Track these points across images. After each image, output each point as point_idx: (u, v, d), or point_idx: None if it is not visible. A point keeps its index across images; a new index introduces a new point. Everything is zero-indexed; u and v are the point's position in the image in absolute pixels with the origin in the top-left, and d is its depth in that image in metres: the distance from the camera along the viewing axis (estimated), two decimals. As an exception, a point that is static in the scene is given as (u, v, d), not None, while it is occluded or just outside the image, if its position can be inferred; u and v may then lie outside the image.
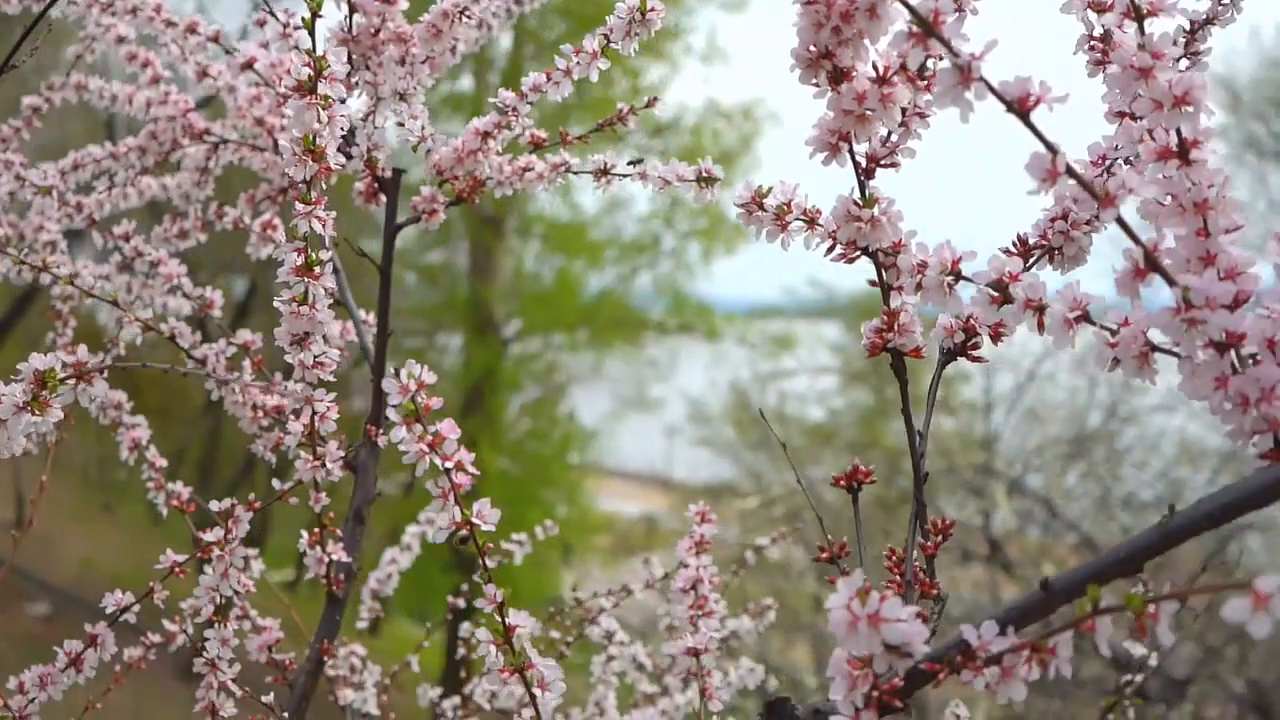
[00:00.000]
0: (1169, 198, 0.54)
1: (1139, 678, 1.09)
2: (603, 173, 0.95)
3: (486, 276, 11.07)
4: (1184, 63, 0.72)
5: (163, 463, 1.12)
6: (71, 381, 0.68)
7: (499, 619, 0.65)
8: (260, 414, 1.03)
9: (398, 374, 0.61)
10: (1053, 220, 0.69)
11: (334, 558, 0.98)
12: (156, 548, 1.04)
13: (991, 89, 0.51)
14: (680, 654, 0.92)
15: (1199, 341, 0.52)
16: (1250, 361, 0.52)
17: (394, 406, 0.61)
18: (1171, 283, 0.51)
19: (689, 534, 0.98)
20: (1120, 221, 0.52)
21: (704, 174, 0.86)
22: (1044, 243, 0.69)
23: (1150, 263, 0.52)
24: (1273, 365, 0.52)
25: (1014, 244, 0.70)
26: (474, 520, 0.63)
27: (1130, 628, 0.49)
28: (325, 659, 1.00)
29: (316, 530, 0.98)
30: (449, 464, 0.62)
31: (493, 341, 10.92)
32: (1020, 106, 0.51)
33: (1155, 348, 0.55)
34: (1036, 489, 6.41)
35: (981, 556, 5.88)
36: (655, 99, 1.00)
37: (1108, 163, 0.70)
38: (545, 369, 11.89)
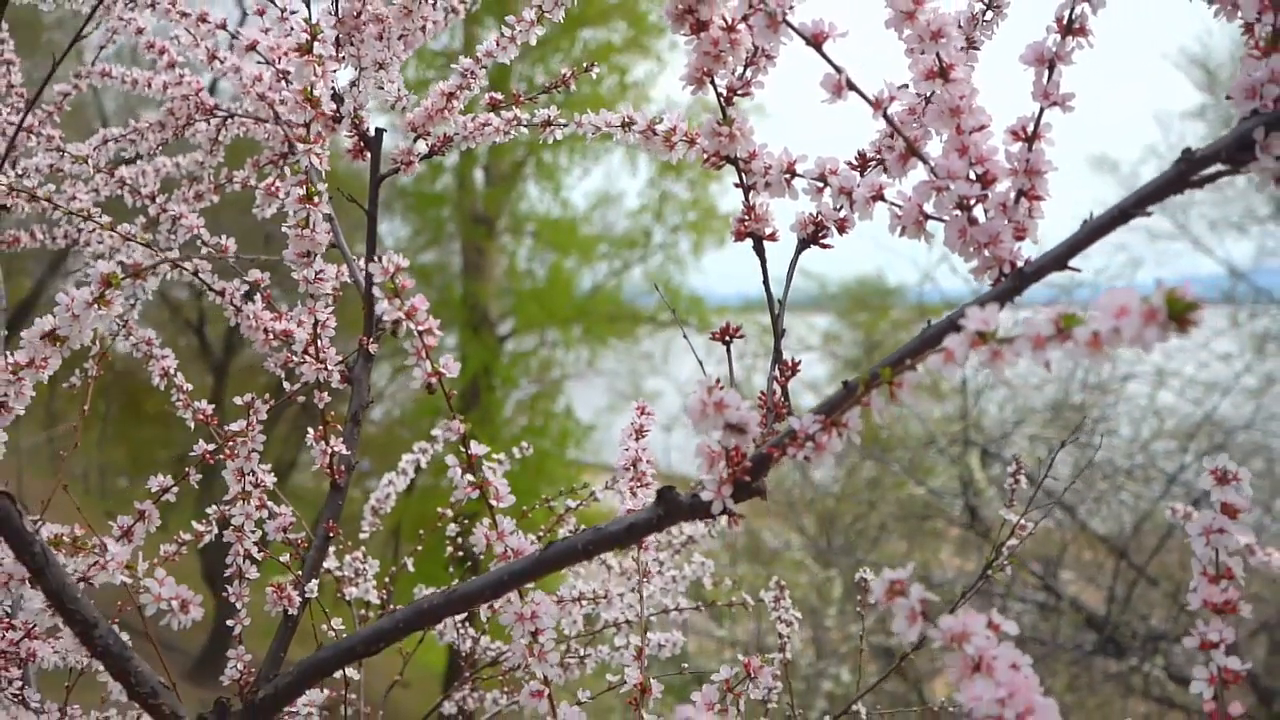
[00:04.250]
0: (931, 105, 0.75)
1: (1013, 543, 1.29)
2: (546, 124, 1.15)
3: (480, 275, 11.25)
4: (989, 14, 0.93)
5: (188, 386, 1.32)
6: (129, 280, 0.88)
7: (463, 449, 0.86)
8: (270, 337, 1.23)
9: (380, 259, 0.81)
10: (884, 138, 0.89)
11: (336, 451, 1.19)
12: (156, 552, 1.22)
13: (793, 28, 0.72)
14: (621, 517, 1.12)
15: (949, 204, 0.73)
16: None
17: (377, 284, 0.82)
18: (925, 162, 0.72)
19: (630, 423, 1.18)
20: (888, 119, 0.72)
21: (626, 120, 1.06)
22: (878, 156, 0.89)
23: (911, 150, 0.73)
24: (1001, 221, 0.72)
25: (855, 157, 0.90)
26: (441, 370, 0.84)
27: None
28: (331, 536, 1.20)
29: (321, 427, 1.18)
30: (422, 328, 0.83)
31: (488, 339, 11.12)
32: (816, 40, 0.72)
33: (928, 216, 0.76)
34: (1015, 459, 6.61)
35: (961, 524, 6.09)
36: (593, 64, 1.21)
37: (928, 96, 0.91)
38: (540, 365, 12.08)
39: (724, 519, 1.58)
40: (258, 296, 1.26)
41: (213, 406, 1.28)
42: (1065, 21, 0.73)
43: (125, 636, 0.85)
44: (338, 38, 1.18)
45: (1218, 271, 8.49)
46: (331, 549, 1.54)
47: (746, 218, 0.84)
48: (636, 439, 1.18)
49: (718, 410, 0.70)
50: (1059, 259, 0.68)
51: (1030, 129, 0.73)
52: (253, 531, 1.14)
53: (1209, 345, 8.29)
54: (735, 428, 0.71)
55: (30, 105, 1.16)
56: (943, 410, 8.79)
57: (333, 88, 1.13)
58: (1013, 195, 0.73)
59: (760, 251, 0.85)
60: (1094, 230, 0.67)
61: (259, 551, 1.14)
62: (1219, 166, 0.66)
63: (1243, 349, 8.21)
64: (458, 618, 1.58)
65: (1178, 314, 0.48)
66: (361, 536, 1.58)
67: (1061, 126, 0.79)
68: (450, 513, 1.56)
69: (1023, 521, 1.27)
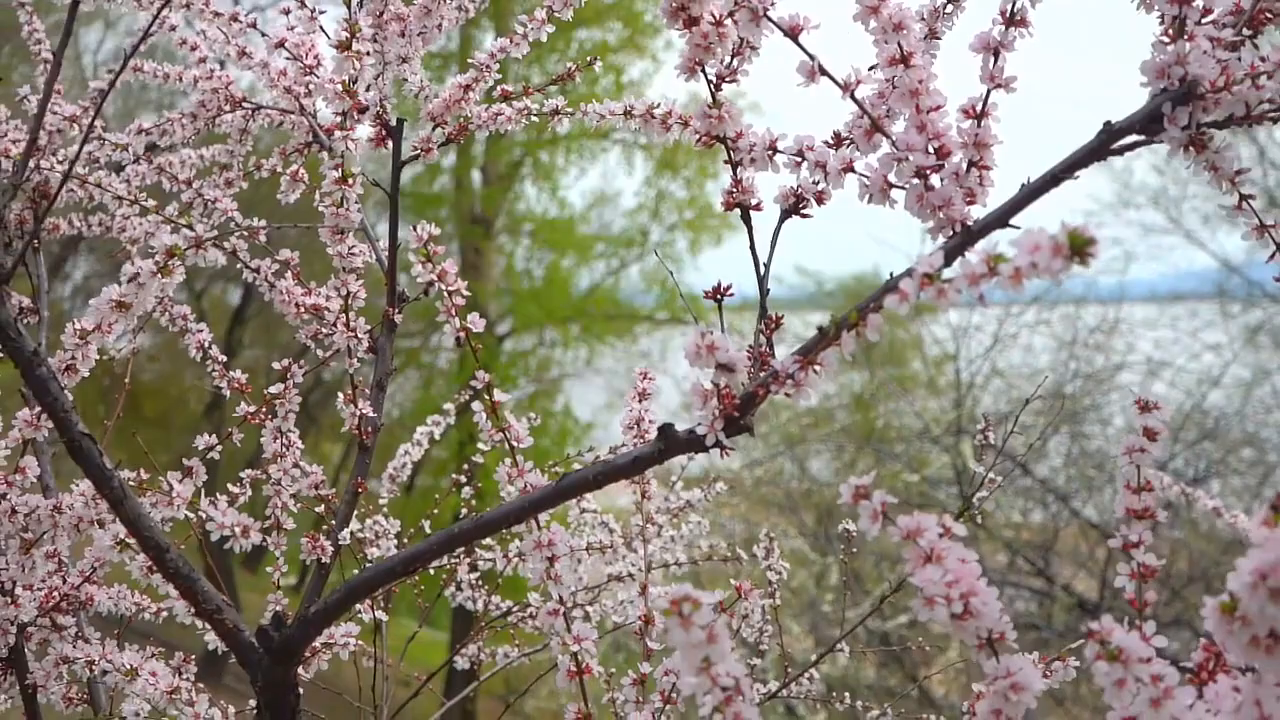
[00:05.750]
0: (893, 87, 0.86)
1: (985, 494, 1.41)
2: (555, 113, 1.27)
3: (478, 275, 11.37)
4: (950, 7, 1.04)
5: (223, 358, 1.43)
6: (192, 250, 0.99)
7: (488, 396, 0.97)
8: (300, 310, 1.34)
9: (415, 228, 0.92)
10: (855, 118, 1.00)
11: (363, 413, 1.30)
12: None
13: (774, 22, 0.83)
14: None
15: (909, 173, 0.84)
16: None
17: (412, 250, 0.93)
18: (888, 137, 0.83)
19: (633, 386, 1.29)
20: (855, 100, 0.84)
21: (628, 109, 1.17)
22: (849, 135, 1.00)
23: (875, 127, 0.84)
24: (954, 187, 0.84)
25: (830, 136, 1.01)
26: (469, 326, 0.95)
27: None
28: (359, 492, 1.31)
29: (350, 391, 1.29)
30: (451, 288, 0.94)
31: (486, 339, 11.21)
32: (793, 32, 0.83)
33: (891, 184, 0.87)
34: (1009, 448, 6.75)
35: (955, 513, 6.21)
36: (595, 58, 1.32)
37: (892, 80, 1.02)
38: (539, 365, 12.19)
39: (720, 483, 1.68)
40: (288, 273, 1.38)
41: (246, 376, 1.39)
42: (1008, 14, 0.85)
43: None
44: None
45: (1211, 265, 8.61)
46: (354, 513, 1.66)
47: (734, 190, 0.95)
48: (639, 401, 1.29)
49: (710, 351, 0.82)
50: (1001, 218, 0.80)
51: (979, 108, 0.84)
52: (289, 486, 1.25)
53: (1199, 335, 8.41)
54: (725, 367, 0.82)
55: (102, 99, 1.27)
56: (939, 404, 8.93)
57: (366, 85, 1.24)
58: (964, 165, 0.84)
59: (747, 220, 0.97)
60: (1031, 192, 0.78)
61: (296, 505, 1.25)
62: (1136, 137, 0.78)
63: (1233, 340, 8.33)
64: (472, 576, 1.70)
65: (1078, 248, 0.59)
66: (380, 502, 1.70)
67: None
68: (463, 479, 1.68)
69: (992, 476, 1.38)
